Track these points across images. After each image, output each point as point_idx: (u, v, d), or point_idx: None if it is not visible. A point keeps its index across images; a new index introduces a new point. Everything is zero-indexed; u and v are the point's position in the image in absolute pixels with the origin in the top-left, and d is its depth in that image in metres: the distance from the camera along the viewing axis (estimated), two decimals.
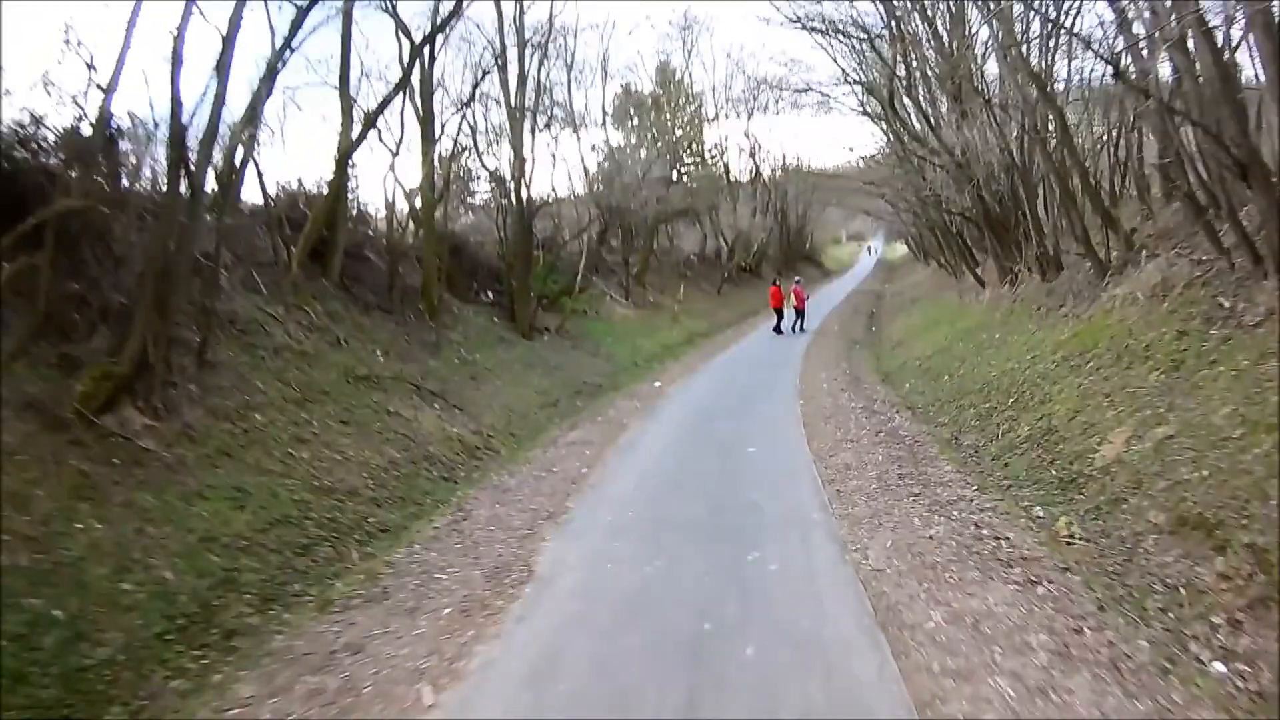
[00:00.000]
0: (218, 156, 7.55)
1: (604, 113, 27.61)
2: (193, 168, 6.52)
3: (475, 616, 4.48)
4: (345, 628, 4.44)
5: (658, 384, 13.28)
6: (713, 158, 34.93)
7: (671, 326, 21.01)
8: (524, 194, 16.14)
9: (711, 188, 32.64)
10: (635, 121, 31.83)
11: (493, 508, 6.67)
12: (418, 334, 11.80)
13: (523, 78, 16.56)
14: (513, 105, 16.43)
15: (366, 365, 9.41)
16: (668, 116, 30.62)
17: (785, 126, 54.86)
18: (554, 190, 21.60)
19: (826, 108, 21.75)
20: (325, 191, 11.27)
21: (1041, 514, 5.40)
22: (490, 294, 16.25)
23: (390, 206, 13.98)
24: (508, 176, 16.55)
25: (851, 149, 20.22)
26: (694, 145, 33.08)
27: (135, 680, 3.80)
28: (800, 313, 20.38)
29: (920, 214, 21.76)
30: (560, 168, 41.07)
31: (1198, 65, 6.73)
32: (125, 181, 7.53)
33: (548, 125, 20.25)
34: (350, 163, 11.68)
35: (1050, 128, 11.00)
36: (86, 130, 6.50)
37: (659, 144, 28.29)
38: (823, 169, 40.32)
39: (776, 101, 30.93)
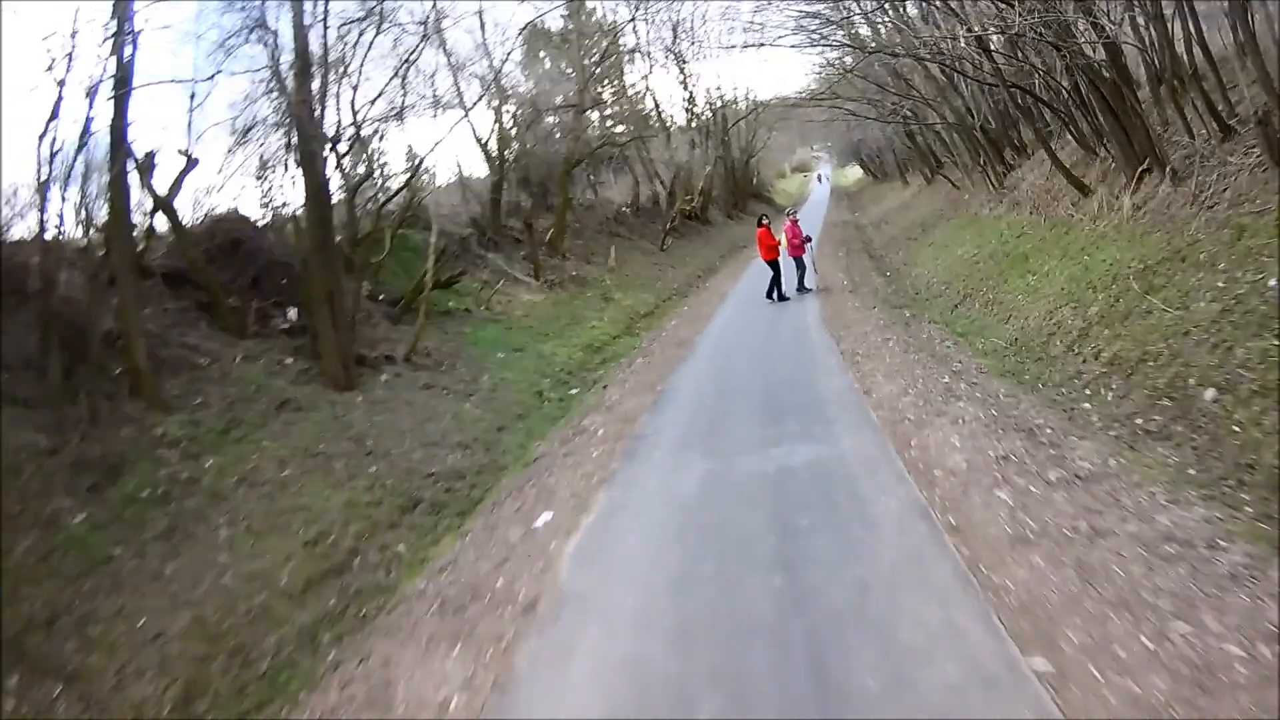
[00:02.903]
0: None
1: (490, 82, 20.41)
2: None
3: None
4: None
5: (544, 519, 5.31)
6: (637, 93, 28.18)
7: (602, 309, 14.62)
8: (311, 138, 9.39)
9: (640, 125, 25.98)
10: (548, 65, 24.96)
11: None
12: (79, 442, 5.57)
13: None
14: None
15: None
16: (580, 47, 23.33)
17: (720, 64, 47.09)
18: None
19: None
20: None
21: None
22: (296, 315, 9.65)
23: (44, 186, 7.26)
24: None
25: (821, 35, 13.28)
26: (612, 78, 26.20)
27: None
28: (800, 262, 13.48)
29: (931, 108, 15.53)
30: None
31: None
32: None
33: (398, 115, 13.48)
34: None
35: None
36: None
37: (569, 73, 21.36)
38: (765, 100, 34.31)
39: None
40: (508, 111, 17.16)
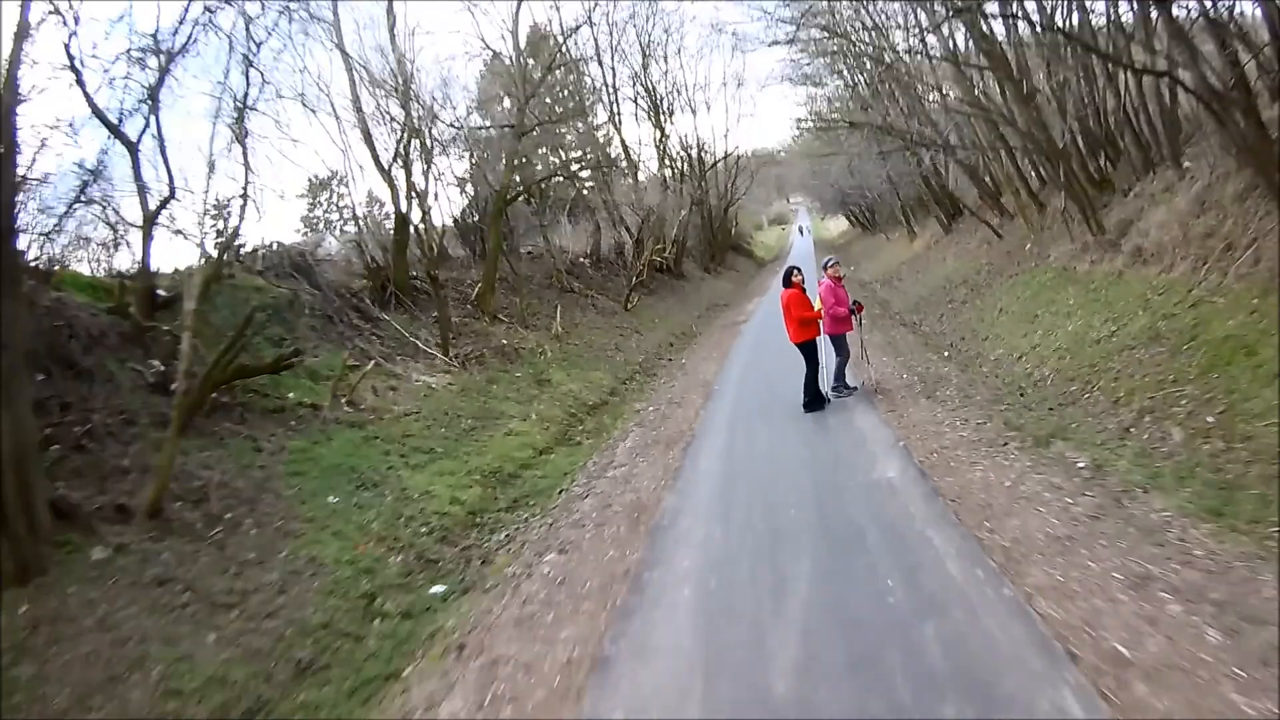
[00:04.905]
0: None
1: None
2: None
3: None
4: None
5: None
6: (606, 137, 24.38)
7: (532, 398, 10.21)
8: None
9: (604, 163, 22.07)
10: (506, 104, 21.15)
11: None
12: None
13: None
14: None
15: None
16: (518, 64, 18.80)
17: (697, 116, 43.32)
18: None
19: None
20: None
21: None
22: None
23: None
24: None
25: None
26: (567, 96, 22.31)
27: None
28: (840, 344, 8.08)
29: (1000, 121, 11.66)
30: None
31: None
32: None
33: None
34: None
35: None
36: None
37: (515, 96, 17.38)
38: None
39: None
40: (419, 126, 12.95)
